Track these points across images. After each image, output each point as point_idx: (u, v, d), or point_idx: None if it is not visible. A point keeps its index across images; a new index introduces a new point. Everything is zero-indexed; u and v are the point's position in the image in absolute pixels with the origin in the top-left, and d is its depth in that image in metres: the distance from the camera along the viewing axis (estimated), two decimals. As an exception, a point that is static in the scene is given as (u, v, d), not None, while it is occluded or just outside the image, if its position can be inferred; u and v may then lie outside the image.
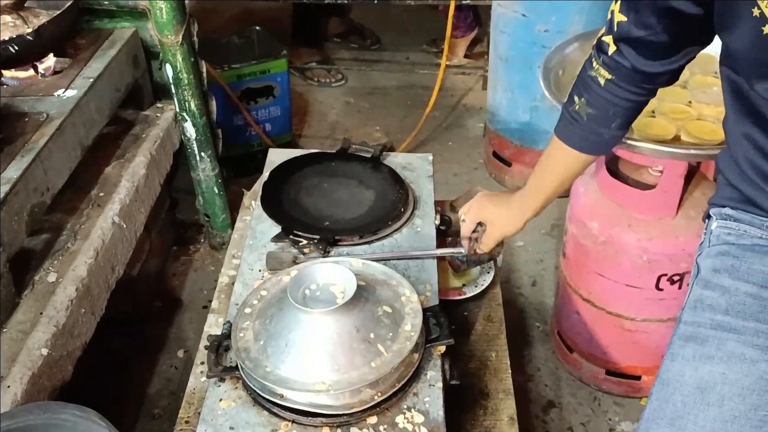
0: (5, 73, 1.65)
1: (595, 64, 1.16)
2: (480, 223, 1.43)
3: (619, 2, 1.08)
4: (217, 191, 2.22)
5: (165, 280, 2.27)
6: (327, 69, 3.46)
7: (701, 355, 1.03)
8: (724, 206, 1.14)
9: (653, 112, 1.61)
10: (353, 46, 3.70)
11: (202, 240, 2.43)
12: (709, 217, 1.18)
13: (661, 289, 1.70)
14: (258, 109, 2.70)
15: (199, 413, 1.33)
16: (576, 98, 1.21)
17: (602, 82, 1.15)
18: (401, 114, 3.22)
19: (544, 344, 2.12)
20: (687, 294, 1.13)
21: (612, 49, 1.12)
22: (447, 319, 1.24)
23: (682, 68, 1.13)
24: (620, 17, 1.08)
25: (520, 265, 2.39)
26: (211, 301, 1.54)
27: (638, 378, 1.90)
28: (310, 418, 1.11)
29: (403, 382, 1.15)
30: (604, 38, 1.13)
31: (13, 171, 1.39)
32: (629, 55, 1.10)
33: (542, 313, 2.22)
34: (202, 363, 1.40)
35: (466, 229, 1.45)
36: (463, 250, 1.53)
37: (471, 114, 3.23)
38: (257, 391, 1.14)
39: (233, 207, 2.27)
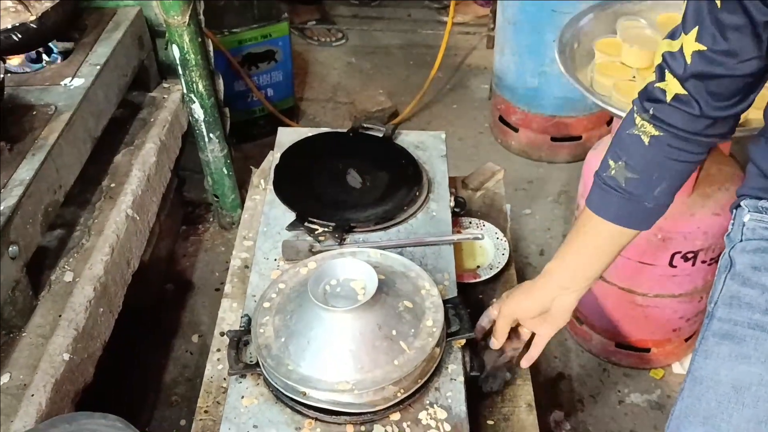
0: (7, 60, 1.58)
1: (638, 119, 1.03)
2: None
3: (695, 31, 0.92)
4: (226, 172, 2.17)
5: (175, 262, 2.23)
6: (327, 28, 3.38)
7: (738, 355, 1.01)
8: (759, 198, 1.08)
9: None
10: (353, 2, 3.61)
11: (211, 219, 2.38)
12: (738, 206, 1.12)
13: (675, 266, 1.70)
14: (259, 74, 2.64)
15: (218, 402, 1.33)
16: (611, 162, 1.06)
17: (646, 140, 1.02)
18: (404, 74, 3.16)
19: (552, 315, 2.12)
20: (718, 287, 1.09)
21: (672, 94, 0.97)
22: (467, 311, 1.23)
23: (741, 114, 1.01)
24: (697, 46, 0.92)
25: (527, 233, 2.38)
26: (223, 284, 1.53)
27: (647, 350, 1.91)
28: (333, 416, 1.11)
29: (425, 378, 1.15)
30: (658, 85, 0.99)
31: (25, 172, 1.34)
32: (699, 96, 0.95)
33: (551, 283, 2.21)
34: (219, 350, 1.40)
35: (502, 329, 1.22)
36: (478, 233, 1.52)
37: (475, 74, 3.17)
38: (279, 388, 1.13)
39: (241, 183, 2.24)
